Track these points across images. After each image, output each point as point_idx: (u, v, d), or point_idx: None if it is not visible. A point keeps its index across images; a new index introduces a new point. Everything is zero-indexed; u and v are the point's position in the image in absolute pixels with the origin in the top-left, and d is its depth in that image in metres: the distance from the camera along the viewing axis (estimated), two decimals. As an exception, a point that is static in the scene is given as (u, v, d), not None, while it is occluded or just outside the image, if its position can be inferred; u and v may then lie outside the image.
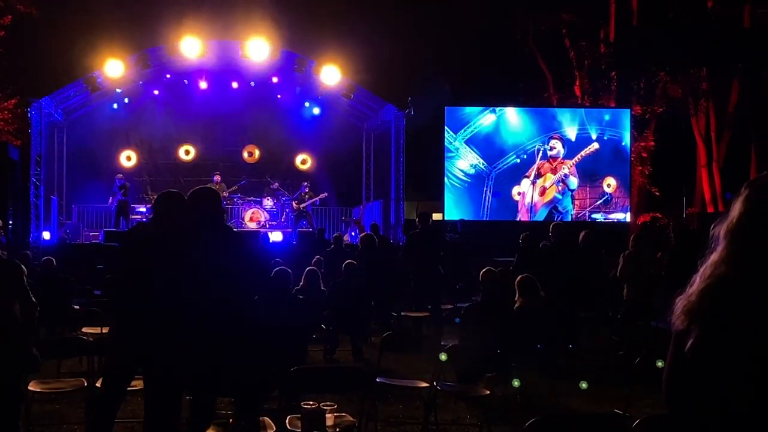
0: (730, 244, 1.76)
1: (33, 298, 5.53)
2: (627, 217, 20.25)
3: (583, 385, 7.10)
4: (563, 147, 19.96)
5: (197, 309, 4.59)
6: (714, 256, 1.79)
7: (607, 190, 19.92)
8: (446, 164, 19.76)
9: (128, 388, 5.14)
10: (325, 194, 19.86)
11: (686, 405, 1.80)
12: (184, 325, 4.60)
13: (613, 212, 19.94)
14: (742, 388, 1.67)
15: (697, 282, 1.79)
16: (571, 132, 20.10)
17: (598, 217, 19.82)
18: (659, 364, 5.37)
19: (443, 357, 6.35)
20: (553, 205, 19.83)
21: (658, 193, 25.67)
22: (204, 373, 4.63)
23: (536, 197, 19.86)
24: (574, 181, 19.84)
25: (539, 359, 6.86)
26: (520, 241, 11.63)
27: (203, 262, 4.64)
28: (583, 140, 20.06)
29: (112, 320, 5.14)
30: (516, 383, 6.61)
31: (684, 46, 21.98)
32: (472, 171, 19.78)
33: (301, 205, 19.33)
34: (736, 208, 1.79)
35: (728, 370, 1.69)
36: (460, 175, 19.77)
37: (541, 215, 19.72)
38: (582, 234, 10.66)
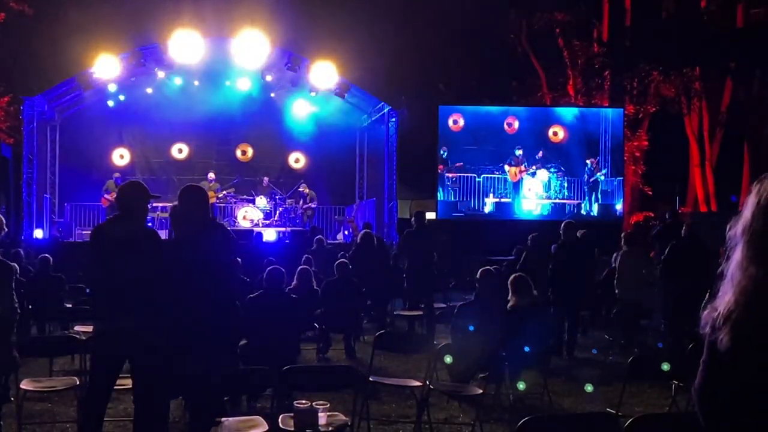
0: (750, 242, 1.76)
1: (16, 303, 5.51)
2: (620, 211, 20.29)
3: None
4: (553, 146, 20.02)
5: (186, 309, 4.59)
6: (737, 256, 1.77)
7: (599, 177, 19.94)
8: (439, 163, 19.77)
9: (120, 387, 5.14)
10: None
11: (720, 412, 1.78)
12: (171, 325, 4.61)
13: (607, 210, 19.94)
14: None
15: (731, 288, 1.77)
16: (564, 131, 20.13)
17: (594, 209, 19.84)
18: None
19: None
20: (549, 200, 19.86)
21: (651, 193, 25.73)
22: (193, 372, 4.62)
23: (530, 195, 19.88)
24: (558, 175, 19.91)
25: (532, 358, 6.86)
26: (528, 241, 11.57)
27: (193, 262, 4.64)
28: (577, 139, 20.10)
29: (95, 317, 5.14)
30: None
31: (677, 46, 22.04)
32: (465, 170, 19.79)
33: (306, 206, 19.46)
34: (750, 204, 1.79)
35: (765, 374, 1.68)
36: (453, 175, 19.78)
37: (533, 214, 19.74)
38: (579, 233, 10.67)
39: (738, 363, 1.72)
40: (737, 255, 1.77)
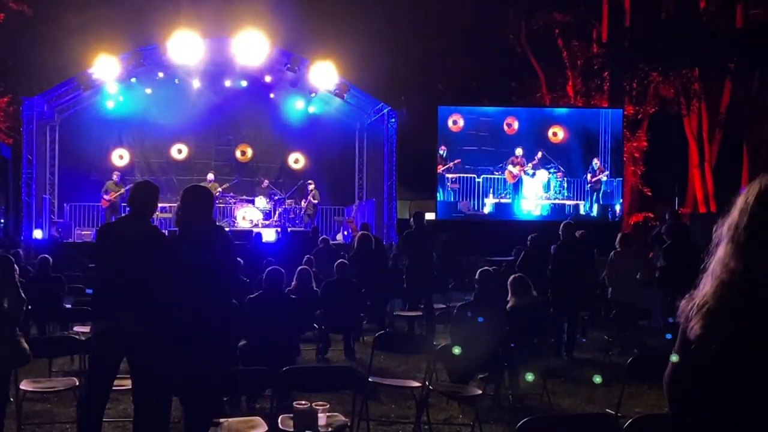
0: (734, 239, 1.77)
1: (22, 294, 5.52)
2: (619, 212, 20.30)
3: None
4: (553, 147, 20.03)
5: (186, 309, 4.59)
6: (720, 253, 1.80)
7: (601, 178, 19.95)
8: (439, 163, 19.78)
9: (120, 387, 5.13)
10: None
11: (690, 403, 1.81)
12: (170, 326, 4.61)
13: (606, 211, 19.96)
14: (753, 384, 1.68)
15: (709, 281, 1.80)
16: (564, 131, 20.15)
17: (593, 210, 19.84)
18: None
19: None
20: (548, 200, 19.87)
21: (650, 193, 25.74)
22: (193, 373, 4.62)
23: (529, 196, 19.88)
24: (559, 176, 19.93)
25: (531, 359, 6.86)
26: (528, 242, 11.56)
27: (193, 262, 4.64)
28: (576, 139, 20.11)
29: (95, 316, 5.13)
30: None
31: (676, 46, 22.04)
32: (464, 171, 19.79)
33: (307, 203, 19.47)
34: (738, 204, 1.81)
35: (740, 367, 1.70)
36: (453, 175, 19.79)
37: (533, 215, 19.75)
38: (578, 233, 10.68)
39: (705, 351, 1.75)
40: (720, 252, 1.81)
